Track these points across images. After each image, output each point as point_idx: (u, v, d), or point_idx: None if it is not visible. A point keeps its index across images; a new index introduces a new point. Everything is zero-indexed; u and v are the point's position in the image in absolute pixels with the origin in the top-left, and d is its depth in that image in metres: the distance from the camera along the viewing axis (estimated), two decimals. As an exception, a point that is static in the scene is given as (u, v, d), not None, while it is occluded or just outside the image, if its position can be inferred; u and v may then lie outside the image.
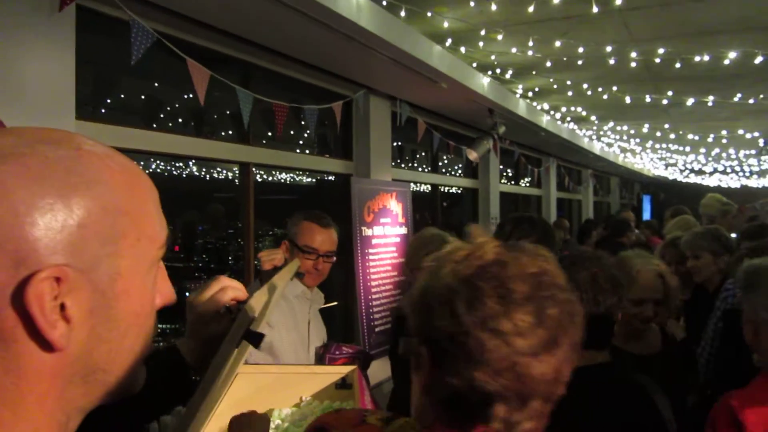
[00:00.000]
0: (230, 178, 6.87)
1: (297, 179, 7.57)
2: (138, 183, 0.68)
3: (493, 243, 0.93)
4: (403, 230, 5.24)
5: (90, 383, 0.63)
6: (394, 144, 5.87)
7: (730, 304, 2.98)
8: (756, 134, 8.31)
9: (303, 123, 4.08)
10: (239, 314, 1.11)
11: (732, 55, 4.13)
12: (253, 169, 4.08)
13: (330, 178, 5.53)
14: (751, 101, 5.61)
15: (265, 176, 6.82)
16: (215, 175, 7.39)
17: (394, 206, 5.15)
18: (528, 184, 10.18)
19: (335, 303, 4.57)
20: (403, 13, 3.64)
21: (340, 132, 5.06)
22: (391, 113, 5.32)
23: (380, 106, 5.16)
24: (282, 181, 7.56)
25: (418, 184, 6.98)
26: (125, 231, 0.63)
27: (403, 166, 6.58)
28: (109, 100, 3.63)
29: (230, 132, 4.28)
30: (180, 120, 4.20)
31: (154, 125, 3.75)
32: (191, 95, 3.98)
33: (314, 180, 6.37)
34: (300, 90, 4.57)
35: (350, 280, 4.78)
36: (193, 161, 6.51)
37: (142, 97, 4.00)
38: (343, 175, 5.09)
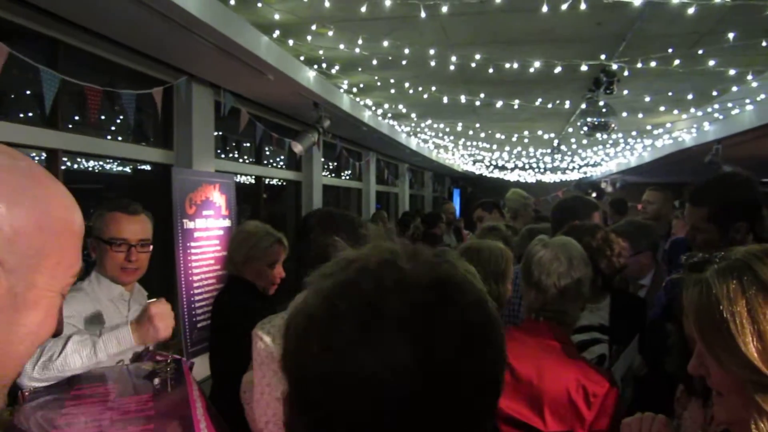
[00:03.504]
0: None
1: (107, 167, 7.01)
2: (73, 214, 0.77)
3: None
4: (227, 223, 5.10)
5: None
6: (218, 134, 5.68)
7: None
8: (552, 135, 9.25)
9: (118, 108, 3.79)
10: None
11: (536, 64, 4.55)
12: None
13: (147, 167, 5.21)
14: (549, 105, 6.23)
15: (69, 163, 6.22)
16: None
17: (218, 198, 4.99)
18: (349, 177, 10.40)
19: (154, 300, 4.32)
20: (232, 2, 3.52)
21: (160, 120, 4.78)
22: (215, 102, 5.13)
23: (203, 95, 4.97)
24: (89, 169, 6.96)
25: (241, 176, 6.83)
26: (50, 252, 0.73)
27: (223, 156, 6.39)
28: None
29: (30, 114, 3.86)
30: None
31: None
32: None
33: (129, 169, 5.95)
34: (115, 73, 4.26)
35: (170, 274, 4.55)
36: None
37: None
38: (163, 165, 4.83)
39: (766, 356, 0.99)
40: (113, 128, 4.90)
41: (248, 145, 7.15)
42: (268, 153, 7.55)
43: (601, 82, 5.42)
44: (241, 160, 7.07)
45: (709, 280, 1.09)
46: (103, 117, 4.69)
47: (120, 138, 4.84)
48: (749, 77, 5.05)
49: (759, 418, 1.02)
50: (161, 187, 4.61)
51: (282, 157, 7.91)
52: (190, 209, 4.59)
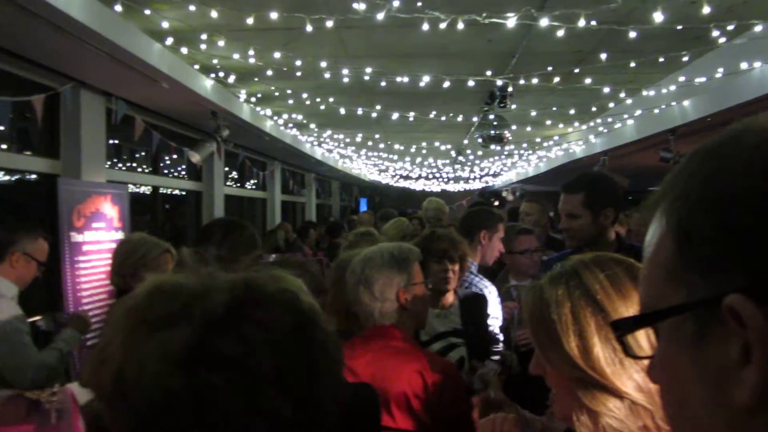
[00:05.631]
0: None
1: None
2: None
3: None
4: (120, 235, 4.93)
5: None
6: (110, 143, 5.50)
7: None
8: (449, 146, 9.54)
9: (-2, 116, 3.62)
10: None
11: (426, 78, 4.71)
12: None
13: (32, 177, 4.96)
14: (443, 118, 6.44)
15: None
16: None
17: (109, 210, 4.83)
18: (254, 187, 10.30)
19: (40, 317, 4.12)
20: (118, 8, 3.45)
21: (45, 128, 4.58)
22: (106, 110, 4.97)
23: (93, 102, 4.79)
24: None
25: (138, 186, 6.63)
26: None
27: (120, 166, 6.20)
28: None
29: None
30: None
31: None
32: None
33: (11, 179, 5.65)
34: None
35: (57, 290, 4.36)
36: None
37: None
38: (48, 175, 4.62)
39: (586, 354, 1.09)
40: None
41: (144, 154, 6.96)
42: (168, 162, 7.37)
43: (495, 96, 5.68)
44: (140, 170, 6.87)
45: (543, 286, 1.20)
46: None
47: (5, 146, 4.60)
48: (622, 95, 5.44)
49: (580, 412, 1.12)
50: (48, 198, 4.40)
51: (183, 167, 7.75)
52: (78, 222, 4.42)
